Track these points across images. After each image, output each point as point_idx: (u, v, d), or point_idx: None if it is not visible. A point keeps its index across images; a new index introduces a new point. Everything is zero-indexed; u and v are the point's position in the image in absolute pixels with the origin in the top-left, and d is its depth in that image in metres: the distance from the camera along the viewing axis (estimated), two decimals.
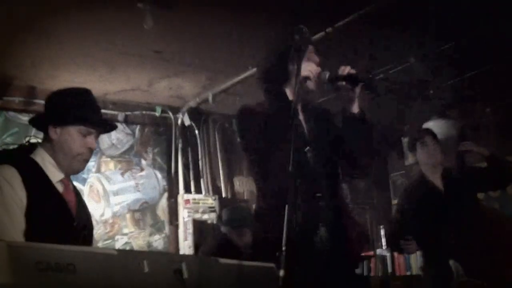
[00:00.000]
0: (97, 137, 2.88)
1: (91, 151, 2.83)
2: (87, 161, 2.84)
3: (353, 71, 2.97)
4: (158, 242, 6.89)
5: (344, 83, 2.98)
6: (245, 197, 7.62)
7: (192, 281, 1.97)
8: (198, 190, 7.27)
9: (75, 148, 2.75)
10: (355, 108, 3.02)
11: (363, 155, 3.14)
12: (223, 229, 5.67)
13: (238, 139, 3.27)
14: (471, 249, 4.44)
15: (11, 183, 2.52)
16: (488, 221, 4.82)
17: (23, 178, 2.55)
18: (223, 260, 2.22)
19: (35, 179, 2.61)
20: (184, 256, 2.06)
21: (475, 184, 4.74)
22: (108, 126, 3.01)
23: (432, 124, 6.33)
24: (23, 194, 2.53)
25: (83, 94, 2.87)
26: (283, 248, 2.06)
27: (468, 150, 4.78)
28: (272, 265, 2.37)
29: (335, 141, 3.06)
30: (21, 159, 2.69)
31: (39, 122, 2.87)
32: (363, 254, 7.44)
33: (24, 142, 2.84)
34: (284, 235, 2.11)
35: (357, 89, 3.00)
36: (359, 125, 3.02)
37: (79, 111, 2.79)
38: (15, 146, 2.84)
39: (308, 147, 2.97)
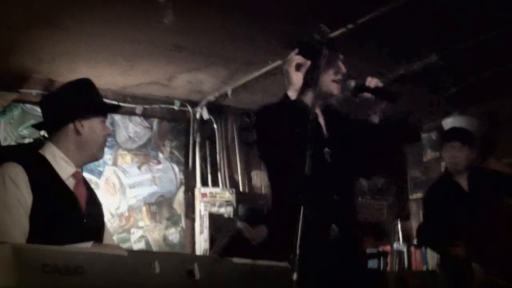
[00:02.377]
0: None
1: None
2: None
3: (380, 84, 2.95)
4: (174, 235, 6.88)
5: (370, 95, 2.96)
6: (263, 192, 7.59)
7: (205, 282, 1.94)
8: (215, 184, 7.25)
9: (102, 136, 2.79)
10: (376, 119, 3.02)
11: (379, 159, 3.13)
12: (239, 224, 5.66)
13: (255, 137, 3.26)
14: (493, 248, 4.41)
15: (16, 182, 2.46)
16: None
17: (29, 176, 2.50)
18: (237, 260, 2.19)
19: (43, 176, 2.57)
20: (196, 256, 2.04)
21: (500, 188, 4.72)
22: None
23: (452, 121, 6.30)
24: (29, 193, 2.47)
25: (88, 85, 2.85)
26: (297, 252, 2.03)
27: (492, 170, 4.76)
28: (286, 265, 2.34)
29: (353, 144, 3.04)
30: (30, 155, 2.64)
31: (56, 121, 2.78)
32: (380, 249, 7.42)
33: (40, 135, 2.82)
34: (298, 239, 2.08)
35: (381, 103, 2.99)
36: (378, 135, 3.02)
37: (98, 100, 2.83)
38: (31, 141, 2.82)
39: (327, 149, 2.95)
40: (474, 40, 5.21)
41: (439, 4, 4.63)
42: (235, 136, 7.51)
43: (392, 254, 7.33)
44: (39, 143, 2.75)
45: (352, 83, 2.98)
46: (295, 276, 1.98)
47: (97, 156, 2.82)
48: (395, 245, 7.49)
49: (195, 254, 6.43)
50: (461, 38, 5.27)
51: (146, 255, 1.74)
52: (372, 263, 6.88)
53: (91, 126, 2.73)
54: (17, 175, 2.48)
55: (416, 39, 5.28)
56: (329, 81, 3.02)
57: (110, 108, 2.90)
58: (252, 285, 2.14)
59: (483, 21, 4.94)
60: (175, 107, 7.13)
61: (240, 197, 7.16)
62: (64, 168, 2.67)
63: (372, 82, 2.95)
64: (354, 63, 3.69)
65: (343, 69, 3.05)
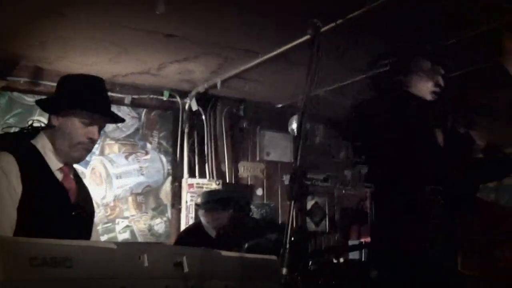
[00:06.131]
0: (101, 127, 2.77)
1: (92, 142, 2.72)
2: (87, 150, 2.74)
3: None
4: (159, 226, 6.87)
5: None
6: (249, 182, 7.60)
7: (193, 274, 1.94)
8: (203, 175, 7.24)
9: (76, 137, 2.65)
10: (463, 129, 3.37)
11: None
12: (199, 212, 5.59)
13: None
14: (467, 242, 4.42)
15: (7, 172, 2.44)
16: (486, 214, 4.80)
17: (20, 166, 2.47)
18: (225, 253, 2.19)
19: (33, 167, 2.54)
20: (185, 248, 2.03)
21: (474, 176, 4.70)
22: (114, 118, 2.90)
23: None
24: (19, 184, 2.44)
25: (92, 82, 2.77)
26: (287, 246, 2.02)
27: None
28: (274, 257, 2.34)
29: None
30: (21, 145, 2.61)
31: (46, 105, 2.78)
32: (363, 240, 7.41)
33: (27, 125, 2.77)
34: (289, 233, 2.07)
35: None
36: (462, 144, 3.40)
37: (83, 100, 2.68)
38: (16, 130, 2.76)
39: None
40: (471, 31, 5.11)
41: None
42: (224, 127, 7.49)
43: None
44: (31, 132, 2.71)
45: None
46: (284, 271, 1.96)
47: (72, 156, 2.69)
48: None
49: (184, 246, 6.40)
50: (457, 29, 5.18)
51: (135, 247, 1.72)
52: (354, 255, 6.86)
53: (67, 122, 2.65)
54: (8, 165, 2.46)
55: (408, 33, 5.21)
56: (427, 91, 3.27)
57: (97, 113, 2.72)
58: (240, 278, 2.14)
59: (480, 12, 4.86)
60: (164, 98, 7.09)
61: (227, 188, 7.15)
62: (52, 160, 2.64)
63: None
64: (349, 56, 3.74)
65: (442, 82, 3.27)
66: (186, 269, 1.89)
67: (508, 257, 4.35)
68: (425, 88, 3.25)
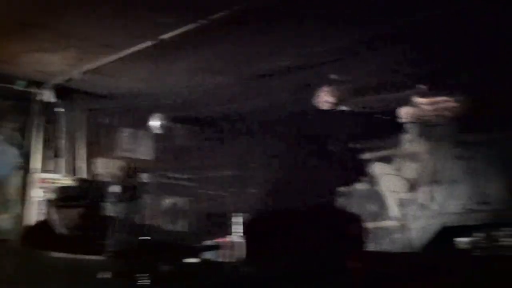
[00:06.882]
0: None
1: None
2: None
3: None
4: (7, 221, 6.63)
5: None
6: (106, 179, 7.47)
7: (17, 273, 1.88)
8: (57, 170, 7.06)
9: None
10: None
11: None
12: (50, 208, 5.49)
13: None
14: None
15: None
16: None
17: None
18: (52, 253, 2.15)
19: None
20: (9, 246, 1.98)
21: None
22: None
23: None
24: None
25: None
26: (127, 246, 2.01)
27: None
28: (103, 258, 2.33)
29: None
30: None
31: None
32: (217, 241, 7.49)
33: None
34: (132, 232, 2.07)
35: None
36: None
37: None
38: None
39: None
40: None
41: None
42: (81, 122, 7.34)
43: (229, 246, 7.37)
44: None
45: None
46: (110, 273, 1.95)
47: None
48: (233, 237, 7.55)
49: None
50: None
51: None
52: (209, 255, 6.93)
53: None
54: None
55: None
56: (323, 103, 3.64)
57: None
58: (68, 277, 2.11)
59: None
60: (19, 87, 6.82)
61: (83, 184, 6.99)
62: None
63: None
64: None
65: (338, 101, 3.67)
66: (8, 270, 1.84)
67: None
68: (324, 100, 3.45)
